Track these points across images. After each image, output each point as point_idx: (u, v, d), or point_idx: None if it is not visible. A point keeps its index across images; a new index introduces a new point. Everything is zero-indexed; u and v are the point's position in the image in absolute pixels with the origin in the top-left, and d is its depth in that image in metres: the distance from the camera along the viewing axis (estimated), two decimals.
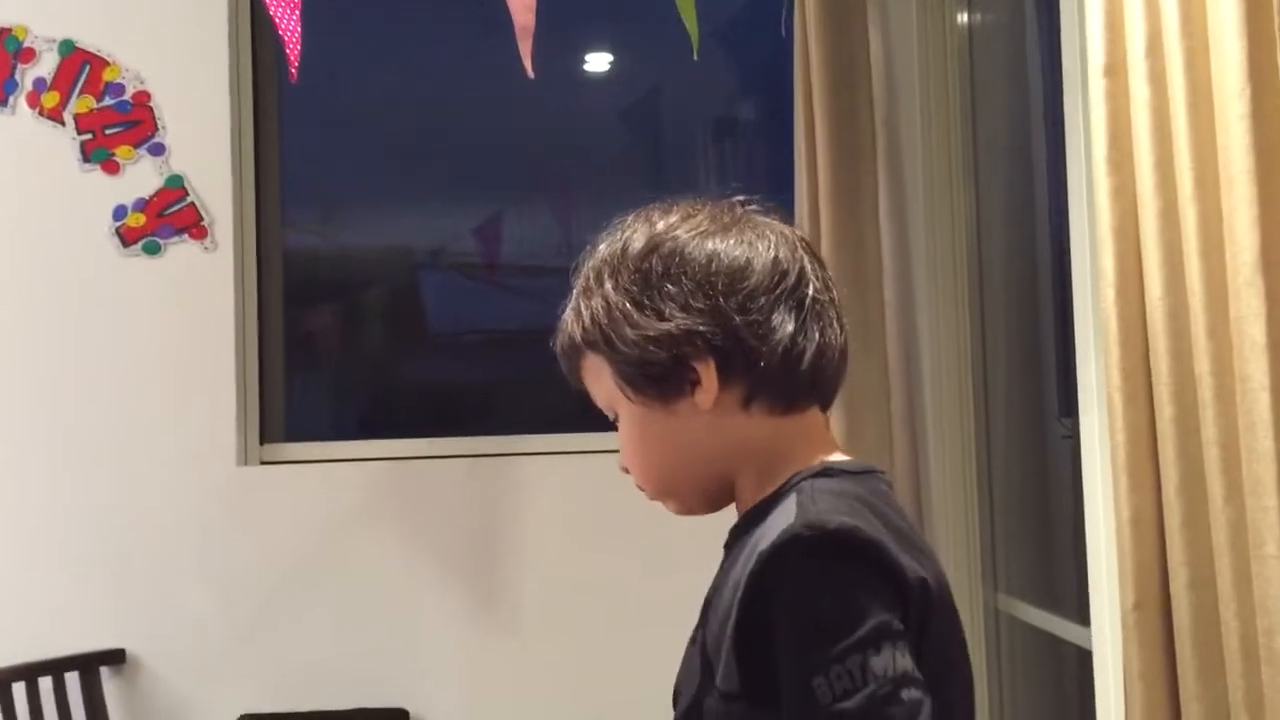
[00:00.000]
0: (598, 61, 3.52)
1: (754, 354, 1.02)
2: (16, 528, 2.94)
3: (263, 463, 3.05)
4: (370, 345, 3.42)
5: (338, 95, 3.31)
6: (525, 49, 2.12)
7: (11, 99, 2.97)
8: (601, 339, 1.05)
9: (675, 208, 1.08)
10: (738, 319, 1.02)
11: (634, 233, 1.07)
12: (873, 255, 2.78)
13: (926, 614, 0.93)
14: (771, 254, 1.04)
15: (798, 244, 1.07)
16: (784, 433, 1.05)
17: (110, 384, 2.95)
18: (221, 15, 3.00)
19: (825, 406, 1.09)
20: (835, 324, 1.07)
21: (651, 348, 1.03)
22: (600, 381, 1.08)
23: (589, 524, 2.97)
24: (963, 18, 2.96)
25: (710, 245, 1.04)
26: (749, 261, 1.04)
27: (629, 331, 1.03)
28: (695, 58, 2.37)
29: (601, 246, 1.08)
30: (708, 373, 1.03)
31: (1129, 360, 1.58)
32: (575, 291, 1.09)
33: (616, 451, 1.11)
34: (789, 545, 0.91)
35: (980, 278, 2.88)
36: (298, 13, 2.02)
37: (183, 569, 2.95)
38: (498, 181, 3.34)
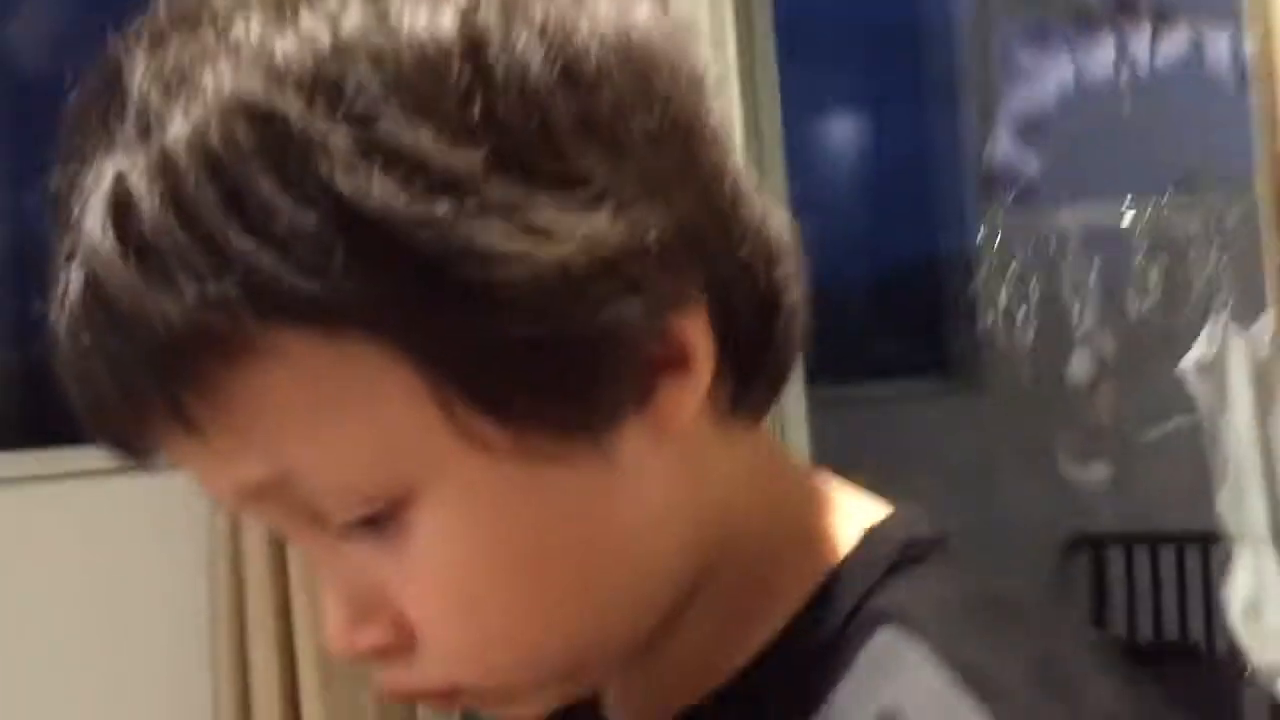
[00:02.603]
0: None
1: (745, 272, 0.46)
2: None
3: None
4: None
5: None
6: None
7: None
8: (409, 282, 0.40)
9: None
10: (710, 181, 0.45)
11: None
12: None
13: None
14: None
15: None
16: (765, 465, 0.50)
17: None
18: None
19: None
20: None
21: (600, 285, 0.41)
22: (338, 414, 0.41)
23: None
24: None
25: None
26: (657, 33, 0.45)
27: (531, 248, 0.40)
28: None
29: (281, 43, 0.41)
30: (702, 335, 0.44)
31: None
32: (186, 188, 0.40)
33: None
34: None
35: None
36: None
37: None
38: None
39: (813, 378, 1.69)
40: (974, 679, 0.42)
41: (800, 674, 0.45)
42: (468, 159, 0.40)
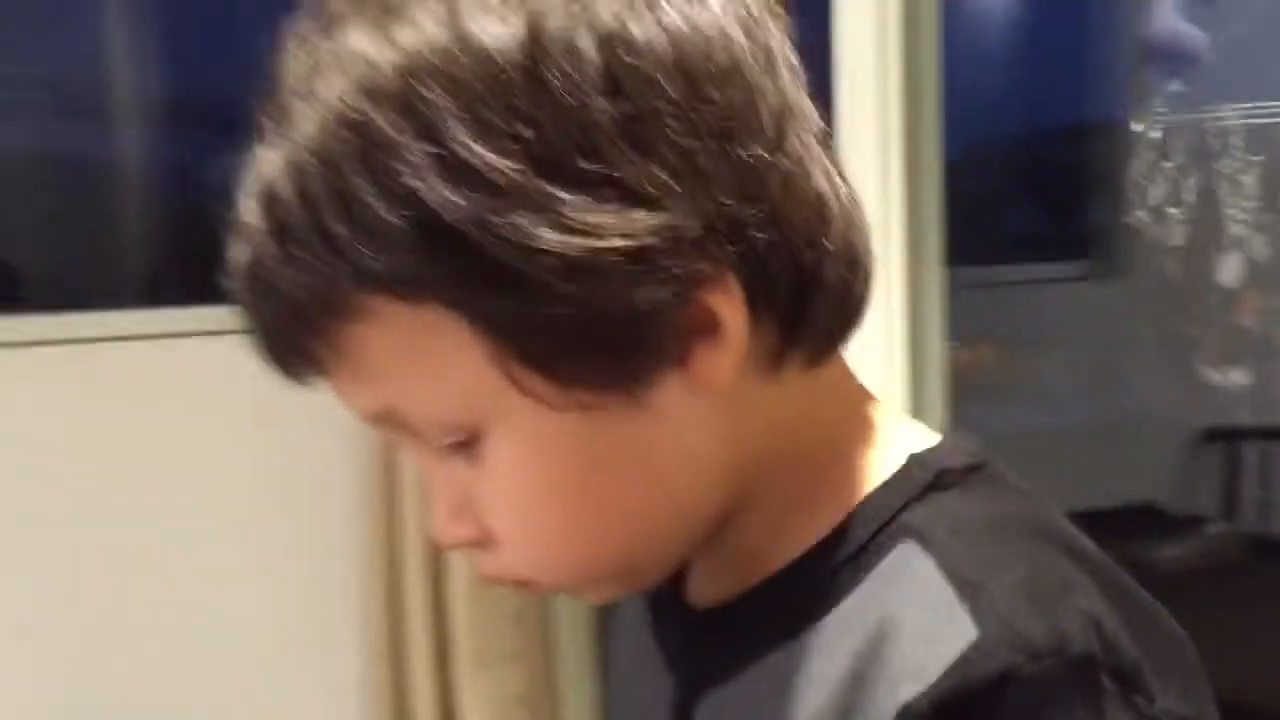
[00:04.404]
0: None
1: (781, 250, 0.52)
2: None
3: None
4: None
5: None
6: None
7: None
8: (471, 269, 0.49)
9: None
10: (749, 173, 0.51)
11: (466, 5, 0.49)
12: None
13: None
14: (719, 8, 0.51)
15: None
16: (818, 400, 0.57)
17: None
18: None
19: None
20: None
21: (629, 272, 0.48)
22: (422, 366, 0.52)
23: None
24: None
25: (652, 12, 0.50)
26: (716, 32, 0.51)
27: (568, 241, 0.48)
28: None
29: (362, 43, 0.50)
30: (731, 308, 0.51)
31: None
32: (307, 148, 0.50)
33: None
34: (991, 697, 0.46)
35: None
36: None
37: None
38: None
39: (953, 258, 1.74)
40: (969, 591, 0.49)
41: (826, 577, 0.54)
42: (514, 167, 0.48)
